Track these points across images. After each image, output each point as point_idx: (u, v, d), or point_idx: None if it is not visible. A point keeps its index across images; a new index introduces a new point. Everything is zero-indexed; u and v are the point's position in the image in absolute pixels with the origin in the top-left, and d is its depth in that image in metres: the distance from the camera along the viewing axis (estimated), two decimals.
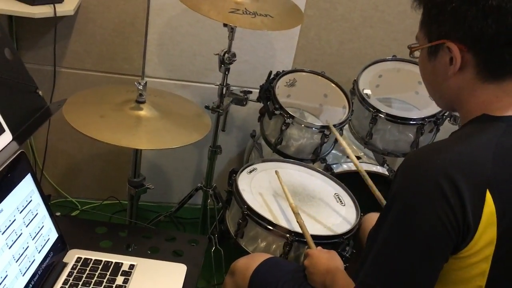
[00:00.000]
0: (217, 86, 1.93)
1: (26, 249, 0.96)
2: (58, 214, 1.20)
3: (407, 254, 0.87)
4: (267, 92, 1.87)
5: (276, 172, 1.62)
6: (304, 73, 1.98)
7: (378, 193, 1.51)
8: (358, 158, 2.04)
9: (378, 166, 1.99)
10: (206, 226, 2.17)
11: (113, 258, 1.09)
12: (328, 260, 1.26)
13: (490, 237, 0.86)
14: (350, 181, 1.93)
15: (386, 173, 1.96)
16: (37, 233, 1.00)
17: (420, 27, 0.97)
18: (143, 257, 1.11)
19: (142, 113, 1.42)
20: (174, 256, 1.15)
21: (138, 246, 1.18)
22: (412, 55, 1.00)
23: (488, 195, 0.85)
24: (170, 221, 2.30)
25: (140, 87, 1.39)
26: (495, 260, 0.88)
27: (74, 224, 1.22)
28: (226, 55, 1.84)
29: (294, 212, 1.44)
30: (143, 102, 1.43)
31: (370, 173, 1.93)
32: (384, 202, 1.52)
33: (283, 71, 1.96)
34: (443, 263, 0.88)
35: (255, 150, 2.29)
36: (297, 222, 1.42)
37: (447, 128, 2.02)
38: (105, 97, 1.47)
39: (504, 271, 0.90)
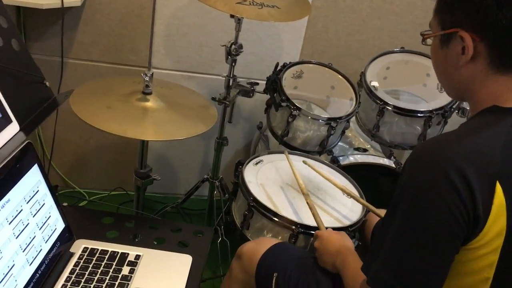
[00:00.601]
0: (224, 78, 1.92)
1: (33, 239, 0.97)
2: (65, 204, 1.21)
3: (419, 247, 0.86)
4: (274, 83, 1.86)
5: (286, 153, 1.62)
6: (311, 65, 1.98)
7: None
8: (365, 150, 2.03)
9: (385, 159, 1.98)
10: (213, 218, 2.17)
11: (119, 248, 1.10)
12: (338, 241, 1.26)
13: (500, 228, 0.86)
14: (357, 174, 1.93)
15: (393, 165, 1.95)
16: (44, 223, 1.01)
17: (434, 14, 0.97)
18: (149, 248, 1.12)
19: (149, 104, 1.42)
20: (180, 247, 1.16)
21: (144, 237, 1.18)
22: (424, 42, 0.99)
23: (498, 187, 0.85)
24: (177, 212, 2.31)
25: (147, 78, 1.39)
26: (504, 251, 0.87)
27: (81, 215, 1.22)
28: (233, 46, 1.83)
29: (304, 193, 1.44)
30: (149, 93, 1.43)
31: (377, 166, 1.94)
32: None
33: (290, 62, 1.95)
34: (455, 254, 0.88)
35: (261, 142, 2.29)
36: (307, 202, 1.42)
37: (455, 121, 2.00)
38: (111, 88, 1.48)
39: None
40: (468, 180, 0.83)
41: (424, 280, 0.88)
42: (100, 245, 1.09)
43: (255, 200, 1.52)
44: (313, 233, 1.46)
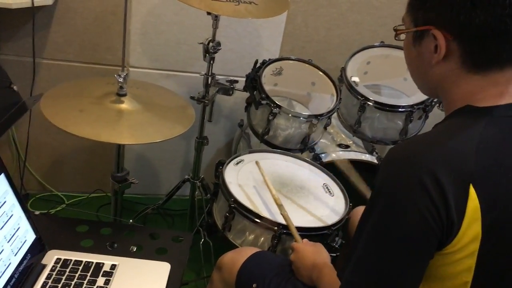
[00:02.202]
0: (202, 76, 1.88)
1: (1, 252, 0.92)
2: (37, 213, 1.16)
3: (391, 252, 0.84)
4: (253, 81, 1.83)
5: (257, 162, 1.59)
6: (291, 61, 1.94)
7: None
8: (347, 146, 2.01)
9: (367, 155, 1.96)
10: (195, 218, 2.14)
11: (94, 258, 1.06)
12: (314, 254, 1.23)
13: (475, 233, 0.84)
14: (339, 170, 1.91)
15: (376, 161, 1.93)
16: (13, 235, 0.97)
17: (407, 9, 0.94)
18: (125, 256, 1.08)
19: (123, 106, 1.37)
20: (158, 254, 1.12)
21: (121, 244, 1.14)
22: (397, 37, 0.97)
23: (472, 190, 0.82)
24: (158, 214, 2.27)
25: (121, 80, 1.34)
26: (481, 255, 0.85)
27: (53, 223, 1.18)
28: (211, 44, 1.79)
29: (277, 204, 1.42)
30: (124, 95, 1.39)
31: (359, 162, 1.92)
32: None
33: (269, 59, 1.91)
34: (429, 259, 0.86)
35: (243, 140, 2.25)
36: (281, 214, 1.39)
37: (436, 115, 1.99)
38: (84, 90, 1.43)
39: (490, 266, 0.88)
40: (441, 184, 0.80)
41: (397, 284, 0.85)
42: (73, 256, 1.05)
43: (236, 201, 1.49)
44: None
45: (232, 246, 1.53)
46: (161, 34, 2.15)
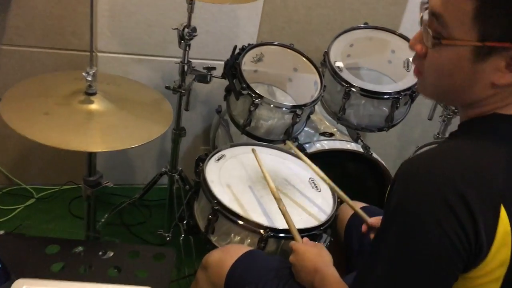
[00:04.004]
0: (177, 61, 1.76)
1: None
2: (1, 232, 1.05)
3: (413, 275, 0.77)
4: (233, 69, 1.71)
5: (253, 150, 1.49)
6: (272, 46, 1.83)
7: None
8: (331, 135, 1.93)
9: (353, 143, 1.89)
10: (174, 211, 2.05)
11: (66, 285, 0.95)
12: (316, 257, 1.15)
13: (504, 258, 0.77)
14: (324, 160, 1.83)
15: (361, 150, 1.86)
16: None
17: (461, 15, 0.76)
18: (102, 282, 0.98)
19: (93, 106, 1.25)
20: (138, 276, 1.02)
21: (96, 266, 1.04)
22: (434, 47, 0.79)
23: (503, 211, 0.75)
24: (134, 206, 2.16)
25: (89, 78, 1.21)
26: (506, 281, 0.79)
27: (20, 245, 1.07)
28: (186, 29, 1.66)
29: (275, 198, 1.32)
30: (93, 94, 1.26)
31: (344, 151, 1.85)
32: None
33: (248, 44, 1.80)
34: (452, 283, 0.79)
35: (221, 127, 2.15)
36: (279, 209, 1.30)
37: (421, 100, 1.93)
38: (49, 88, 1.29)
39: None
40: (469, 205, 0.73)
41: None
42: (42, 284, 0.95)
43: (219, 203, 1.40)
44: (283, 236, 1.36)
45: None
46: (131, 16, 2.00)
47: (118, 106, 1.28)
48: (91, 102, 1.25)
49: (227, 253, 1.25)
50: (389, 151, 2.66)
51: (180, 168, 1.98)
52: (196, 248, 1.95)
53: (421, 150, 1.80)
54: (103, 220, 2.04)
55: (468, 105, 0.85)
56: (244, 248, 1.27)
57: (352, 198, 1.48)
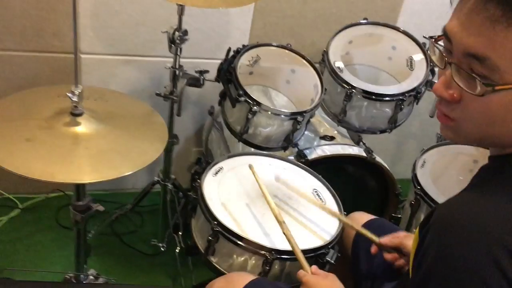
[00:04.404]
0: (163, 60, 1.64)
1: None
2: None
3: None
4: (228, 73, 1.60)
5: (251, 167, 1.40)
6: (268, 48, 1.72)
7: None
8: (332, 138, 1.84)
9: (355, 147, 1.80)
10: (167, 219, 1.96)
11: None
12: None
13: None
14: (326, 166, 1.75)
15: (364, 154, 1.77)
16: None
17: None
18: None
19: (80, 129, 1.13)
20: None
21: None
22: (484, 93, 0.69)
23: None
24: (125, 215, 2.06)
25: (75, 98, 1.09)
26: None
27: None
28: (177, 33, 1.55)
29: (278, 221, 1.24)
30: (80, 115, 1.14)
31: (346, 156, 1.77)
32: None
33: (243, 46, 1.68)
34: None
35: (214, 129, 2.05)
36: (283, 233, 1.22)
37: (425, 98, 1.84)
38: (30, 108, 1.17)
39: None
40: None
41: None
42: None
43: (220, 224, 1.31)
44: (289, 258, 1.28)
45: (216, 271, 1.36)
46: (115, 15, 1.88)
47: (108, 126, 1.17)
48: (78, 124, 1.13)
49: (231, 283, 1.19)
50: (387, 145, 2.58)
51: (173, 177, 1.88)
52: (193, 259, 1.87)
53: (428, 153, 1.71)
54: (93, 232, 1.95)
55: (500, 146, 0.76)
56: (248, 277, 1.20)
57: (356, 204, 1.40)
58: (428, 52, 0.81)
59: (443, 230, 0.70)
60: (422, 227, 0.77)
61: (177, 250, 1.84)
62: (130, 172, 1.06)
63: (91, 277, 1.44)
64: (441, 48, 0.77)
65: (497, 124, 0.72)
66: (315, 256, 1.32)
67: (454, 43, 0.72)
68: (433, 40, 0.79)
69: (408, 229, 1.63)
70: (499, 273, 0.65)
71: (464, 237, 0.67)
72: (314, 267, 1.15)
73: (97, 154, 1.09)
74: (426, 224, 0.76)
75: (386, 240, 1.24)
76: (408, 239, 1.22)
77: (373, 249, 1.26)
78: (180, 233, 1.85)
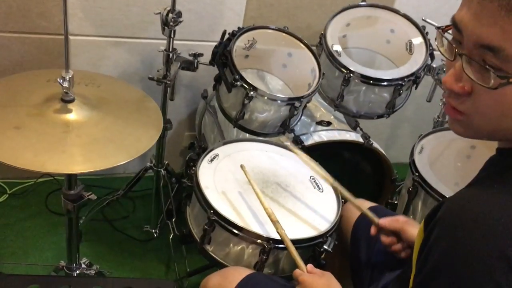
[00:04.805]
0: (161, 52, 1.59)
1: None
2: None
3: None
4: (223, 57, 1.55)
5: (242, 167, 1.36)
6: (264, 30, 1.67)
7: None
8: (329, 123, 1.80)
9: (352, 133, 1.77)
10: (160, 206, 1.92)
11: None
12: None
13: None
14: (322, 152, 1.72)
15: (361, 140, 1.74)
16: None
17: None
18: None
19: (72, 116, 1.08)
20: None
21: None
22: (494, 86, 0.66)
23: None
24: (117, 201, 2.02)
25: (65, 84, 1.04)
26: None
27: None
28: (170, 15, 1.49)
29: (272, 221, 1.21)
30: (71, 101, 1.09)
31: (343, 142, 1.74)
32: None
33: (239, 29, 1.63)
34: None
35: (208, 113, 2.01)
36: (278, 233, 1.19)
37: (423, 83, 1.81)
38: (18, 95, 1.11)
39: None
40: None
41: None
42: None
43: (216, 213, 1.28)
44: (284, 247, 1.25)
45: (212, 259, 1.33)
46: None
47: (100, 113, 1.12)
48: (69, 111, 1.08)
49: (226, 279, 1.17)
50: (381, 129, 2.56)
51: (166, 162, 1.84)
52: (186, 246, 1.84)
53: (426, 139, 1.68)
54: (84, 217, 1.91)
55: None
56: (243, 272, 1.18)
57: (352, 190, 1.38)
58: (437, 37, 0.76)
59: (452, 225, 0.67)
60: (427, 222, 0.75)
61: (170, 237, 1.80)
62: (124, 162, 1.01)
63: (83, 266, 1.41)
64: (449, 38, 0.73)
65: (510, 117, 0.68)
66: (313, 245, 1.30)
67: (465, 33, 0.68)
68: (441, 30, 0.75)
69: (404, 215, 1.61)
70: (510, 270, 0.62)
71: (475, 233, 0.64)
72: (310, 265, 1.12)
73: (89, 143, 1.04)
74: (431, 218, 0.73)
75: (385, 221, 1.22)
76: (408, 225, 1.20)
77: (373, 229, 1.24)
78: (173, 219, 1.81)
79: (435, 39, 0.77)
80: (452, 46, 0.71)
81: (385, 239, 1.23)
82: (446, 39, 0.73)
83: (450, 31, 0.74)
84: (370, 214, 1.28)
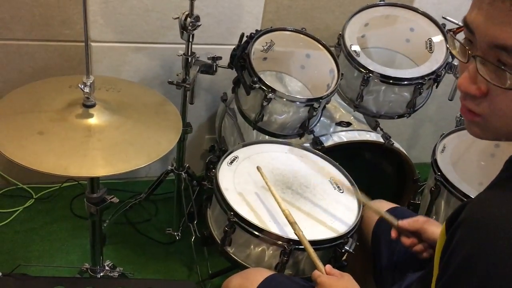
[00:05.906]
0: (181, 56, 1.61)
1: None
2: None
3: None
4: (241, 60, 1.56)
5: (258, 168, 1.36)
6: (281, 32, 1.67)
7: None
8: (349, 124, 1.80)
9: (372, 133, 1.76)
10: (181, 208, 1.94)
11: None
12: None
13: None
14: (342, 153, 1.71)
15: (381, 140, 1.73)
16: None
17: None
18: None
19: (93, 121, 1.11)
20: None
21: None
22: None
23: None
24: (139, 204, 2.04)
25: (87, 89, 1.06)
26: None
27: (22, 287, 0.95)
28: (188, 19, 1.50)
29: (290, 222, 1.21)
30: (92, 106, 1.12)
31: (364, 143, 1.73)
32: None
33: (257, 31, 1.64)
34: None
35: (227, 116, 2.02)
36: (295, 234, 1.19)
37: (445, 81, 1.79)
38: (41, 101, 1.14)
39: None
40: None
41: None
42: None
43: (237, 215, 1.28)
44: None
45: (233, 261, 1.34)
46: (125, 1, 1.84)
47: (121, 117, 1.14)
48: (90, 115, 1.11)
49: (247, 280, 1.17)
50: (403, 129, 2.53)
51: (187, 165, 1.86)
52: (208, 248, 1.85)
53: (448, 138, 1.66)
54: (107, 221, 1.94)
55: None
56: (264, 273, 1.18)
57: (373, 191, 1.37)
58: (448, 40, 0.74)
59: (475, 228, 0.66)
60: (449, 224, 0.74)
61: (192, 239, 1.82)
62: (144, 165, 1.03)
63: (107, 268, 1.43)
64: (462, 40, 0.72)
65: None
66: (334, 246, 1.30)
67: (478, 34, 0.67)
68: (452, 32, 0.74)
69: (427, 215, 1.59)
70: None
71: (499, 236, 0.63)
72: (328, 266, 1.12)
73: (110, 146, 1.06)
74: (454, 220, 0.72)
75: (405, 223, 1.21)
76: (428, 224, 1.18)
77: (393, 233, 1.22)
78: (195, 221, 1.83)
79: (447, 30, 0.76)
80: (464, 48, 0.70)
81: (406, 240, 1.22)
82: (458, 41, 0.72)
83: (461, 33, 0.72)
84: (389, 217, 1.26)
